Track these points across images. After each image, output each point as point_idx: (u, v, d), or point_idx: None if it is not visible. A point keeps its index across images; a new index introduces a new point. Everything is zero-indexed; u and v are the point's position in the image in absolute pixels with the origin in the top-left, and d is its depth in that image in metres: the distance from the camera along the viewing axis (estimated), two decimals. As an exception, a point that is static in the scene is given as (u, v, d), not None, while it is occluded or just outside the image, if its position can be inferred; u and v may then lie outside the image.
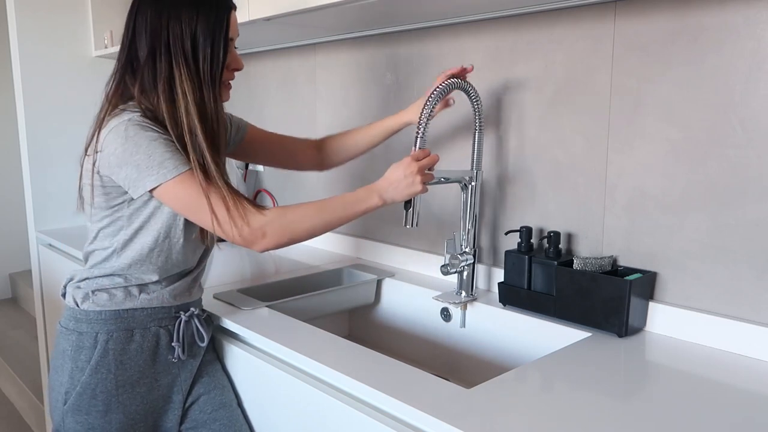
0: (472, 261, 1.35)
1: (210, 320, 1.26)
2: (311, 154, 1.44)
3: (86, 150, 1.11)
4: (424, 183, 1.14)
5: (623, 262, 1.21)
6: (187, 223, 1.12)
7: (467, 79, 1.27)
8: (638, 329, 1.15)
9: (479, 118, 1.30)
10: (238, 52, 1.19)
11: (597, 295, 1.14)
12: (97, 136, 1.07)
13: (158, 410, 1.17)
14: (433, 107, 1.19)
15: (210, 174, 1.06)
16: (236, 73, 1.19)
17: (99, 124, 1.08)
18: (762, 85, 1.01)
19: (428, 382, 0.94)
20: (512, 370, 0.99)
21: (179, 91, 1.06)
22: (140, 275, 1.13)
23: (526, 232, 1.29)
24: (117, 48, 2.13)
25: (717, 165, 1.07)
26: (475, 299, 1.36)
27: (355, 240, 1.77)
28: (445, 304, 1.41)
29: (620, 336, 1.12)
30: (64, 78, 2.22)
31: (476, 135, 1.32)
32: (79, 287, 1.15)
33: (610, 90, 1.20)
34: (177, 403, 1.19)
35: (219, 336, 1.27)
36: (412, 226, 1.18)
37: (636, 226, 1.19)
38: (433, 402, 0.87)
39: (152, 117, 1.06)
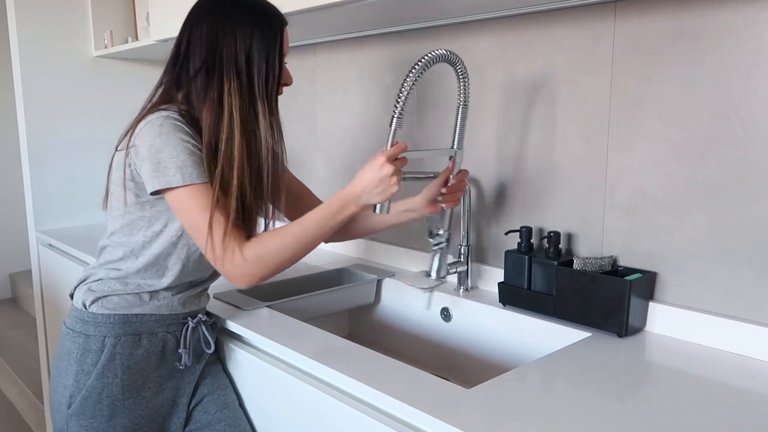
0: (444, 245, 1.33)
1: (216, 325, 1.26)
2: None
3: (117, 146, 1.10)
4: (399, 182, 1.08)
5: (623, 262, 1.21)
6: None
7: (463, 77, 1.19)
8: (638, 329, 1.15)
9: (465, 93, 1.20)
10: None
11: (597, 295, 1.14)
12: (132, 131, 1.07)
13: (163, 414, 1.17)
14: (412, 85, 1.08)
15: (228, 193, 1.05)
16: None
17: (136, 122, 1.08)
18: (762, 85, 1.01)
19: (428, 382, 0.94)
20: (512, 370, 0.99)
21: (226, 103, 1.06)
22: (153, 281, 1.13)
23: (526, 232, 1.29)
24: (117, 48, 2.15)
25: (717, 165, 1.07)
26: (443, 283, 1.34)
27: (355, 240, 1.77)
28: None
29: (620, 336, 1.12)
30: (64, 78, 2.22)
31: (460, 110, 1.22)
32: (91, 289, 1.14)
33: (610, 90, 1.20)
34: (181, 407, 1.19)
35: (219, 336, 1.27)
36: (386, 212, 1.13)
37: (636, 226, 1.19)
38: (433, 402, 0.87)
39: (190, 121, 1.07)
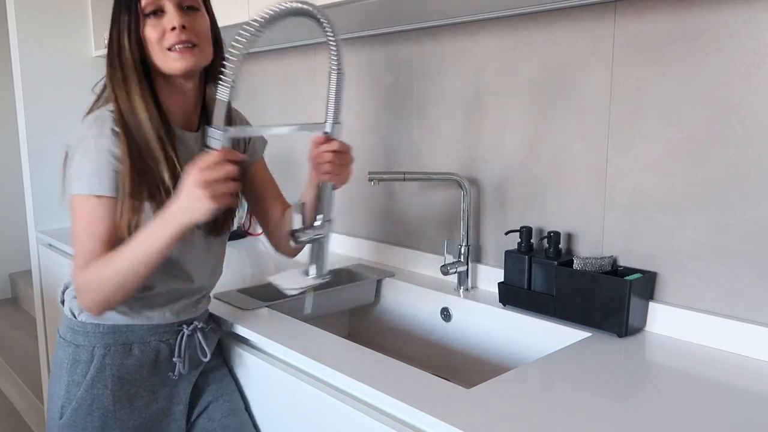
0: (321, 236, 1.11)
1: (215, 332, 1.22)
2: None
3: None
4: (223, 195, 0.90)
5: (623, 262, 1.21)
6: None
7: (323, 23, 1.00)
8: (638, 329, 1.15)
9: (337, 56, 1.02)
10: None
11: (597, 295, 1.14)
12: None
13: (158, 423, 1.13)
14: (247, 47, 0.94)
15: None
16: None
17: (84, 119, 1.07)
18: (762, 85, 1.01)
19: (428, 382, 0.94)
20: (512, 370, 0.99)
21: (108, 91, 1.04)
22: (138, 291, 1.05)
23: (526, 232, 1.29)
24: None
25: (717, 165, 1.07)
26: (326, 280, 1.11)
27: (355, 240, 1.77)
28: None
29: (620, 336, 1.12)
30: (64, 78, 2.22)
31: (330, 77, 1.03)
32: (75, 297, 1.08)
33: (610, 90, 1.20)
34: (178, 414, 1.15)
35: (223, 338, 1.27)
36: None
37: (636, 226, 1.19)
38: (433, 402, 0.87)
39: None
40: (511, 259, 1.30)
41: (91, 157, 0.99)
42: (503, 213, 1.41)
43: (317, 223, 1.08)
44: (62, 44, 2.21)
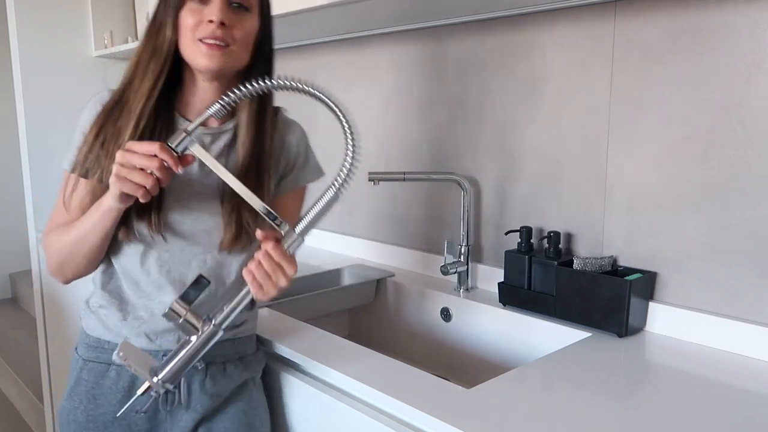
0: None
1: (231, 375, 1.02)
2: None
3: None
4: (133, 185, 0.84)
5: (623, 262, 1.21)
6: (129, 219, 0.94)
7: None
8: (638, 329, 1.15)
9: (347, 173, 0.86)
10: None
11: (597, 295, 1.14)
12: None
13: None
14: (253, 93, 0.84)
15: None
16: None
17: None
18: (762, 85, 1.01)
19: (428, 382, 0.94)
20: (512, 370, 0.99)
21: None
22: (117, 292, 1.00)
23: (526, 232, 1.29)
24: (117, 48, 2.15)
25: (717, 165, 1.07)
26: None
27: (355, 240, 1.77)
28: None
29: (620, 336, 1.12)
30: (64, 78, 2.22)
31: (329, 188, 0.86)
32: (86, 302, 1.05)
33: (610, 90, 1.20)
34: None
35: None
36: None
37: (636, 226, 1.19)
38: (433, 402, 0.87)
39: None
40: (511, 259, 1.30)
41: (75, 132, 0.99)
42: (503, 213, 1.41)
43: (201, 323, 0.88)
44: (62, 44, 2.21)
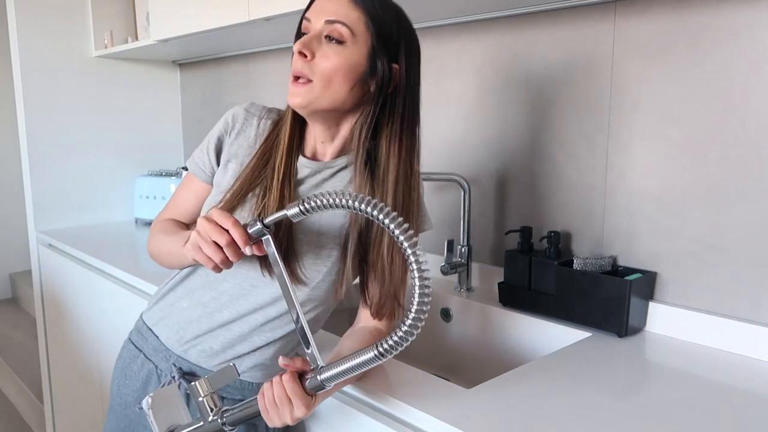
0: None
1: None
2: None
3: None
4: (205, 255, 0.82)
5: (623, 262, 1.21)
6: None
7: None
8: (638, 329, 1.15)
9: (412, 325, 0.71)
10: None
11: (597, 295, 1.14)
12: None
13: None
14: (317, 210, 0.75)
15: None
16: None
17: None
18: (762, 86, 1.01)
19: (428, 382, 0.94)
20: (512, 370, 0.99)
21: None
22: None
23: (526, 232, 1.29)
24: (117, 48, 2.15)
25: (717, 165, 1.07)
26: None
27: (355, 240, 1.77)
28: None
29: (620, 336, 1.12)
30: (64, 78, 2.22)
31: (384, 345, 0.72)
32: (161, 289, 1.07)
33: (610, 90, 1.20)
34: None
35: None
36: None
37: (636, 226, 1.19)
38: (433, 402, 0.87)
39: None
40: (511, 259, 1.30)
41: (208, 136, 1.02)
42: (503, 213, 1.41)
43: (213, 411, 0.84)
44: (62, 44, 2.21)
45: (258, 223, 0.80)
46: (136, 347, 1.05)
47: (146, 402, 0.85)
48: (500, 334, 1.31)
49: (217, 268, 0.83)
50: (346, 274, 0.95)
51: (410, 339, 0.70)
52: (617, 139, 1.20)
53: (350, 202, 0.72)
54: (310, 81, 0.87)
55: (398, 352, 0.71)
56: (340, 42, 0.86)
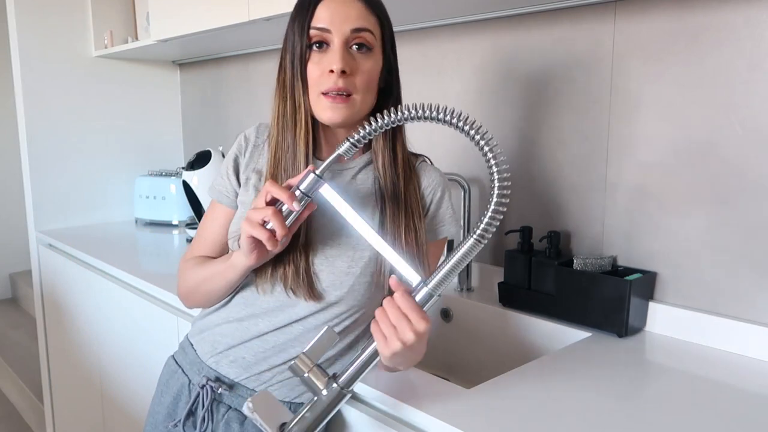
0: None
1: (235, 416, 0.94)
2: None
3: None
4: (255, 242, 0.82)
5: (623, 262, 1.21)
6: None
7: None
8: (638, 329, 1.15)
9: (493, 218, 0.75)
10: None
11: (597, 295, 1.14)
12: None
13: None
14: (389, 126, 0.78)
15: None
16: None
17: None
18: (762, 85, 1.01)
19: (428, 382, 0.94)
20: (512, 370, 0.99)
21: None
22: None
23: (526, 232, 1.29)
24: (117, 48, 2.15)
25: (717, 165, 1.07)
26: None
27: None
28: None
29: (620, 336, 1.12)
30: (64, 78, 2.22)
31: (469, 237, 0.75)
32: (206, 311, 1.05)
33: (610, 90, 1.20)
34: None
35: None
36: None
37: (636, 226, 1.19)
38: (433, 402, 0.87)
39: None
40: (511, 259, 1.30)
41: (224, 162, 1.01)
42: (503, 213, 1.41)
43: (324, 383, 0.80)
44: (62, 44, 2.21)
45: (311, 173, 0.80)
46: (177, 362, 1.04)
47: (247, 407, 0.80)
48: (500, 334, 1.31)
49: (264, 253, 0.84)
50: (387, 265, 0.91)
51: (499, 217, 0.73)
52: (617, 139, 1.20)
53: (413, 112, 0.77)
54: (350, 95, 0.88)
55: (493, 231, 0.74)
56: (368, 49, 0.89)
